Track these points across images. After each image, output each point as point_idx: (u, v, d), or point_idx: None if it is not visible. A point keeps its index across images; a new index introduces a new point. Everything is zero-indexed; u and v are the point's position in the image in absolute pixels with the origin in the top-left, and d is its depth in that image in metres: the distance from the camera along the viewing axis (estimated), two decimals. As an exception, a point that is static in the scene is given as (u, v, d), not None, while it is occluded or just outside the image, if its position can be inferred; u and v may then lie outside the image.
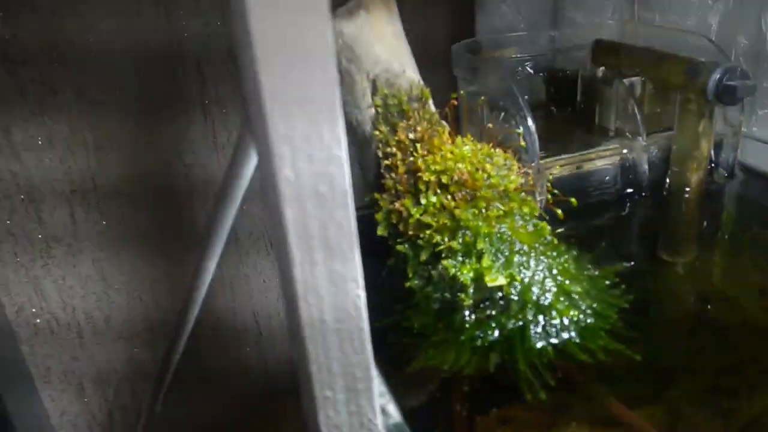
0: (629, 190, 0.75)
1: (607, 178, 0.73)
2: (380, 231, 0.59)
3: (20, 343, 0.95)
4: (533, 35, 0.88)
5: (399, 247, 0.58)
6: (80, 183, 0.95)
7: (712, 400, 0.65)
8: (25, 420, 0.87)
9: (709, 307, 0.69)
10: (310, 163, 0.32)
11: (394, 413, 0.38)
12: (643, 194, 0.75)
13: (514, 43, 0.87)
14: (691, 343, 0.69)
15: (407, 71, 0.61)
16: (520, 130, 0.65)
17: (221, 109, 1.08)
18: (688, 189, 0.71)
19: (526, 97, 0.69)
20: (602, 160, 0.73)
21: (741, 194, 0.78)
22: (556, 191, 0.61)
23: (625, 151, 0.74)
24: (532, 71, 0.87)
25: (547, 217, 0.59)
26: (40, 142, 0.91)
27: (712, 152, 0.78)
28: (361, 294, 0.35)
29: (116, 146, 0.95)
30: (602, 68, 0.77)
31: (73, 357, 1.00)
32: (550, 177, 0.68)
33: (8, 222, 0.90)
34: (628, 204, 0.75)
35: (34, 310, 0.95)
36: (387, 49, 0.60)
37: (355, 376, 0.37)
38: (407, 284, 0.57)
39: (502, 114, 0.68)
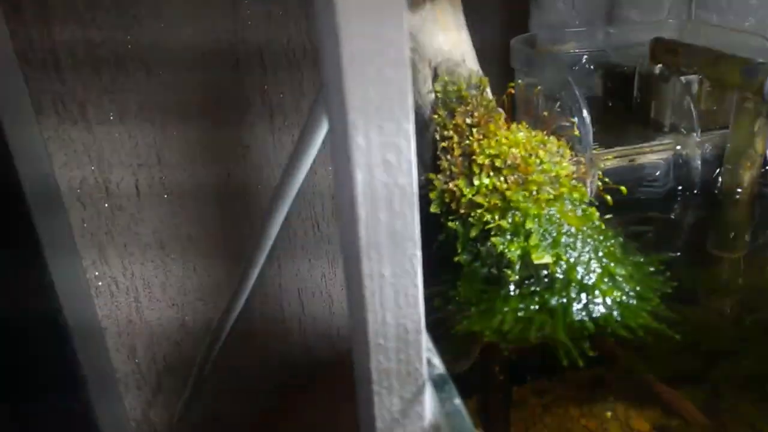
0: (680, 186, 0.75)
1: (658, 172, 0.74)
2: (433, 208, 0.62)
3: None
4: (590, 31, 0.89)
5: (450, 224, 0.61)
6: (146, 158, 1.00)
7: (754, 387, 0.66)
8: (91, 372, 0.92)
9: (756, 300, 0.70)
10: (380, 133, 0.35)
11: (439, 365, 0.41)
12: (695, 191, 0.75)
13: (572, 39, 0.88)
14: (737, 332, 0.70)
15: (467, 61, 0.63)
16: (575, 120, 0.66)
17: (279, 95, 1.12)
18: (740, 187, 0.72)
19: (582, 90, 0.71)
20: (655, 155, 0.74)
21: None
22: (606, 179, 0.63)
23: (678, 147, 0.75)
24: (589, 66, 0.88)
25: (597, 204, 0.60)
26: (111, 118, 0.96)
27: None
28: (417, 253, 0.38)
29: (180, 125, 1.00)
30: (660, 65, 0.78)
31: (129, 320, 1.05)
32: (603, 166, 0.70)
33: (78, 191, 0.96)
34: (679, 199, 0.76)
35: (96, 273, 1.01)
36: (449, 39, 0.63)
37: (407, 327, 0.40)
38: (456, 258, 0.60)
39: (558, 105, 0.70)
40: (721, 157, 0.73)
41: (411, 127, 0.35)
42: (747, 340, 0.68)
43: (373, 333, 0.40)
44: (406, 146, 0.35)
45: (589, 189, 0.71)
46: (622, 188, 0.61)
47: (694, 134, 0.74)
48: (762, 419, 0.64)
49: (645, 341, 0.65)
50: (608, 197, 0.61)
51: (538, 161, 0.58)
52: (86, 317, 1.00)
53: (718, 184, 0.73)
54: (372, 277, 0.38)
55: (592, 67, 0.88)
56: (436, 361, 0.42)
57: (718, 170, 0.74)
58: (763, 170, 0.75)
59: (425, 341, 0.42)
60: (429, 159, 0.64)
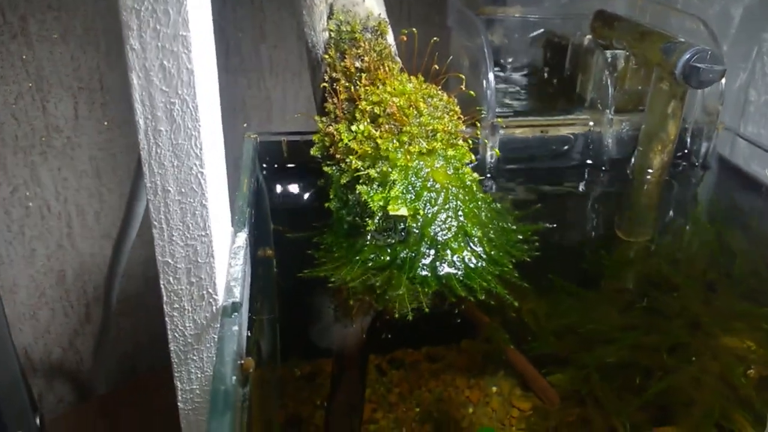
0: (589, 162, 0.74)
1: (567, 146, 0.72)
2: (313, 151, 0.61)
3: (11, 222, 1.01)
4: (541, -4, 0.87)
5: (326, 169, 0.60)
6: (88, 81, 0.99)
7: (620, 377, 0.65)
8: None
9: (647, 288, 0.69)
10: (156, 38, 0.34)
11: (238, 294, 0.40)
12: (604, 168, 0.74)
13: (518, 2, 0.86)
14: (622, 319, 0.69)
15: (367, 1, 0.61)
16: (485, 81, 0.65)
17: (237, 34, 1.11)
18: (650, 170, 0.70)
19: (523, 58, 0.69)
20: (568, 128, 0.72)
21: (711, 185, 0.76)
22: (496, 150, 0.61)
23: (592, 123, 0.73)
24: (532, 34, 0.86)
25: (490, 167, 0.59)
26: (54, 36, 0.95)
27: (688, 140, 0.76)
28: (206, 172, 0.37)
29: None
30: (588, 37, 0.76)
31: (60, 245, 1.06)
32: (512, 134, 0.68)
33: (13, 105, 0.95)
34: (586, 176, 0.74)
35: (28, 193, 1.01)
36: (353, -23, 0.61)
37: (197, 249, 0.39)
38: (326, 204, 0.59)
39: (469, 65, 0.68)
40: (637, 139, 0.71)
41: (191, 36, 0.34)
42: (628, 329, 0.66)
43: (159, 250, 0.39)
44: (186, 56, 0.34)
45: (489, 154, 0.69)
46: (496, 151, 0.59)
47: (608, 111, 0.71)
48: (620, 410, 0.63)
49: (516, 319, 0.64)
50: (497, 150, 0.60)
51: (416, 113, 0.57)
52: None
53: (630, 165, 0.71)
54: (156, 192, 0.37)
55: (535, 35, 0.85)
56: (237, 291, 0.41)
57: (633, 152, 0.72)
58: (680, 153, 0.73)
59: (223, 265, 0.41)
60: (319, 101, 0.63)
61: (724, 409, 0.64)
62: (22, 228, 1.02)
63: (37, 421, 0.77)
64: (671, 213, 0.75)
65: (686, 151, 0.76)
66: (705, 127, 0.75)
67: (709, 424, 0.63)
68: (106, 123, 1.03)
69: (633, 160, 0.72)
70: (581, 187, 0.73)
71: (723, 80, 0.71)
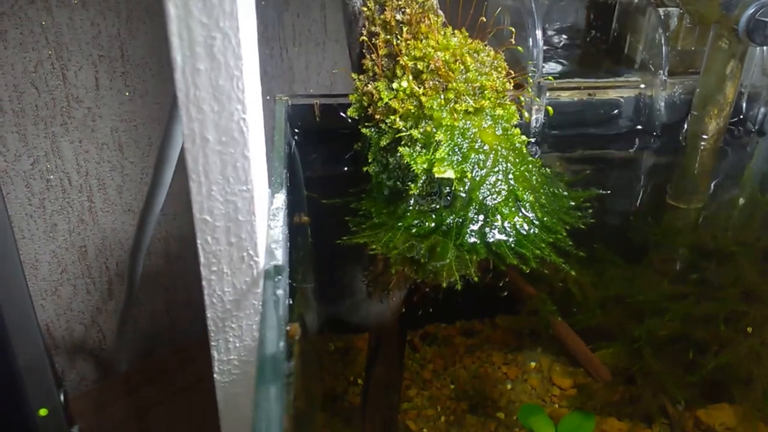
0: (639, 127, 0.69)
1: (616, 110, 0.68)
2: (350, 112, 0.57)
3: (32, 195, 0.98)
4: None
5: (364, 131, 0.56)
6: (108, 49, 0.96)
7: (672, 350, 0.61)
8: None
9: (699, 258, 0.65)
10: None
11: (280, 257, 0.37)
12: (655, 134, 0.69)
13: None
14: (672, 289, 0.65)
15: (408, -50, 0.57)
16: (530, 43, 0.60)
17: (260, 2, 1.07)
18: (705, 136, 0.66)
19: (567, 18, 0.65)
20: (616, 91, 0.68)
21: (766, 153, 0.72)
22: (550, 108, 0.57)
23: (643, 86, 0.68)
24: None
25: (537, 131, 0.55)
26: (74, 1, 0.92)
27: (744, 105, 0.72)
28: (248, 119, 0.33)
29: (149, 20, 0.95)
30: (640, -5, 0.71)
31: (81, 219, 1.03)
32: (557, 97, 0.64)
33: (33, 73, 0.92)
34: (637, 142, 0.70)
35: (48, 165, 0.98)
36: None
37: (237, 205, 0.35)
38: (365, 168, 0.56)
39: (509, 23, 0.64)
40: (690, 103, 0.67)
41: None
42: (680, 299, 0.63)
43: (197, 206, 0.35)
44: (228, -16, 0.30)
45: (534, 116, 0.65)
46: (549, 108, 0.55)
47: (661, 73, 0.67)
48: (674, 387, 0.59)
49: (563, 289, 0.61)
50: (550, 108, 0.56)
51: (462, 68, 0.53)
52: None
53: (683, 131, 0.67)
54: (194, 140, 0.34)
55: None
56: (279, 253, 0.38)
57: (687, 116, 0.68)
58: (735, 119, 0.68)
59: (263, 226, 0.38)
60: (356, 57, 0.59)
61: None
62: (42, 202, 0.99)
63: (61, 397, 0.75)
64: (725, 181, 0.71)
65: (741, 116, 0.72)
66: (764, 91, 0.70)
67: (769, 400, 0.59)
68: (127, 93, 1.00)
69: (686, 125, 0.67)
70: (632, 153, 0.69)
71: (786, 38, 0.66)
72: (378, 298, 0.61)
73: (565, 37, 0.81)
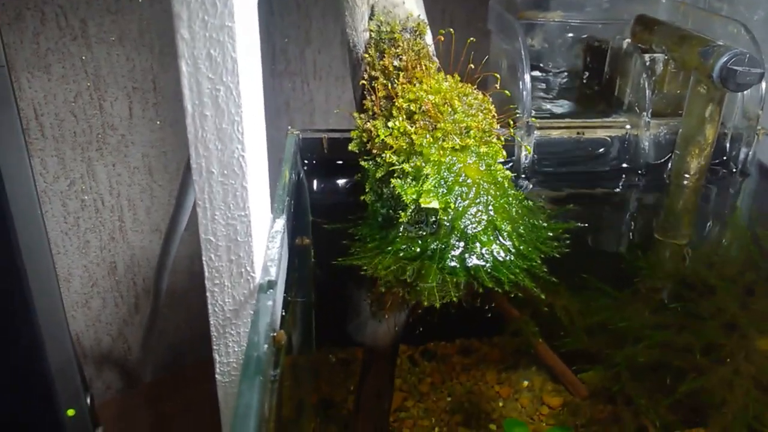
0: (625, 165, 0.74)
1: (603, 149, 0.73)
2: (351, 146, 0.63)
3: (68, 214, 1.06)
4: (581, 2, 0.88)
5: (363, 163, 0.62)
6: (141, 82, 1.04)
7: (654, 375, 0.65)
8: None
9: (682, 290, 0.69)
10: (204, 28, 0.36)
11: (274, 274, 0.43)
12: (640, 172, 0.74)
13: (559, 8, 0.87)
14: (655, 319, 0.69)
15: (407, 3, 0.64)
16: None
17: (284, 39, 1.15)
18: (687, 174, 0.71)
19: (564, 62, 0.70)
20: (605, 131, 0.73)
21: (750, 191, 0.76)
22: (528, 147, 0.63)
23: (629, 126, 0.73)
24: (573, 38, 0.87)
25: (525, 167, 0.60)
26: (112, 39, 1.01)
27: (728, 145, 0.76)
28: (246, 155, 0.40)
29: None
30: (627, 40, 0.77)
31: (112, 237, 1.11)
32: (548, 135, 0.70)
33: (73, 103, 1.01)
34: (623, 179, 0.74)
35: (83, 187, 1.06)
36: (392, -21, 0.63)
37: (237, 228, 0.42)
38: (362, 197, 0.61)
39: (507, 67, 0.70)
40: (675, 143, 0.72)
41: (237, 27, 0.37)
42: (661, 328, 0.67)
43: (203, 228, 0.42)
44: (231, 45, 0.37)
45: (524, 154, 0.71)
46: (527, 147, 0.61)
47: (645, 114, 0.72)
48: (650, 409, 0.63)
49: (548, 314, 0.65)
50: (528, 147, 0.61)
51: (450, 110, 0.59)
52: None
53: (668, 169, 0.72)
54: (201, 173, 0.40)
55: (573, 38, 0.86)
56: (273, 270, 0.44)
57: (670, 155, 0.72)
58: (719, 159, 0.73)
59: (261, 247, 0.44)
60: (358, 98, 0.65)
61: (756, 411, 0.63)
62: (77, 220, 1.07)
63: (88, 401, 0.81)
64: (709, 217, 0.75)
65: (725, 157, 0.76)
66: (744, 133, 0.74)
67: (741, 425, 0.63)
68: (158, 122, 1.08)
69: (670, 164, 0.72)
70: (618, 190, 0.74)
71: (763, 84, 0.71)
72: (375, 316, 0.66)
73: (563, 78, 0.86)
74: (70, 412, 0.77)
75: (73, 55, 0.99)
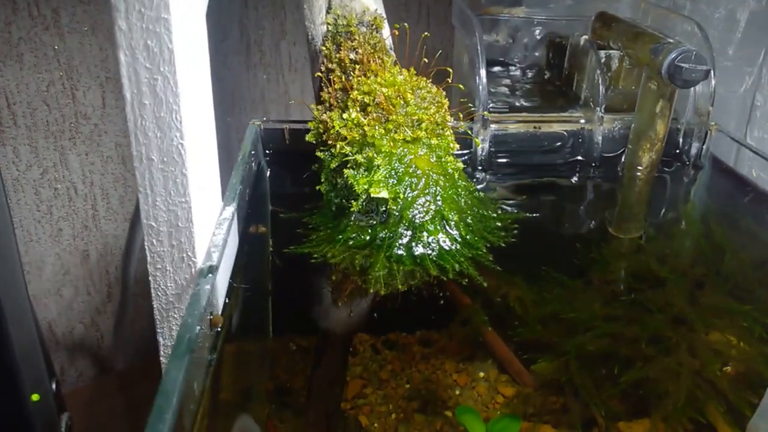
0: (580, 158, 0.76)
1: (559, 143, 0.74)
2: (309, 137, 0.64)
3: (40, 202, 1.07)
4: (548, -1, 0.89)
5: (319, 154, 0.63)
6: (115, 72, 1.05)
7: (601, 365, 0.67)
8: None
9: (633, 282, 0.71)
10: (141, 19, 0.38)
11: (216, 260, 0.44)
12: (594, 165, 0.76)
13: (524, 3, 0.88)
14: (606, 309, 0.71)
15: (364, -2, 0.65)
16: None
17: (258, 31, 1.16)
18: (639, 167, 0.72)
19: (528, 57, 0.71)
20: (560, 125, 0.75)
21: (702, 185, 0.78)
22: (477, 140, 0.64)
23: (583, 120, 0.75)
24: (536, 34, 0.89)
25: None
26: (84, 28, 1.01)
27: (681, 140, 0.78)
28: (186, 143, 0.41)
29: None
30: (584, 37, 0.78)
31: (85, 226, 1.12)
32: (504, 129, 0.71)
33: (45, 92, 1.01)
34: (578, 172, 0.76)
35: (56, 175, 1.07)
36: (350, -26, 0.65)
37: (177, 214, 0.43)
38: (317, 187, 0.63)
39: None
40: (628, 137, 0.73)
41: (172, 19, 0.38)
42: (611, 319, 0.68)
43: (144, 213, 0.43)
44: (167, 36, 0.38)
45: (480, 148, 0.72)
46: (476, 140, 0.62)
47: (599, 109, 0.73)
48: (596, 398, 0.65)
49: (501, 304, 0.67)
50: (477, 140, 0.63)
51: (403, 103, 0.60)
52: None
53: (621, 162, 0.73)
54: (142, 161, 0.41)
55: (537, 34, 0.88)
56: (216, 256, 0.45)
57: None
58: (672, 153, 0.75)
59: (206, 233, 0.45)
60: (317, 90, 0.67)
61: (698, 401, 0.65)
62: (50, 208, 1.08)
63: (53, 385, 0.82)
64: (662, 210, 0.77)
65: (678, 151, 0.78)
66: (696, 128, 0.76)
67: (682, 415, 0.65)
68: (131, 112, 1.09)
69: (623, 157, 0.74)
70: (572, 182, 0.75)
71: (713, 81, 0.73)
72: (331, 304, 0.68)
73: (526, 73, 0.88)
74: (35, 398, 0.78)
75: (46, 44, 0.99)
